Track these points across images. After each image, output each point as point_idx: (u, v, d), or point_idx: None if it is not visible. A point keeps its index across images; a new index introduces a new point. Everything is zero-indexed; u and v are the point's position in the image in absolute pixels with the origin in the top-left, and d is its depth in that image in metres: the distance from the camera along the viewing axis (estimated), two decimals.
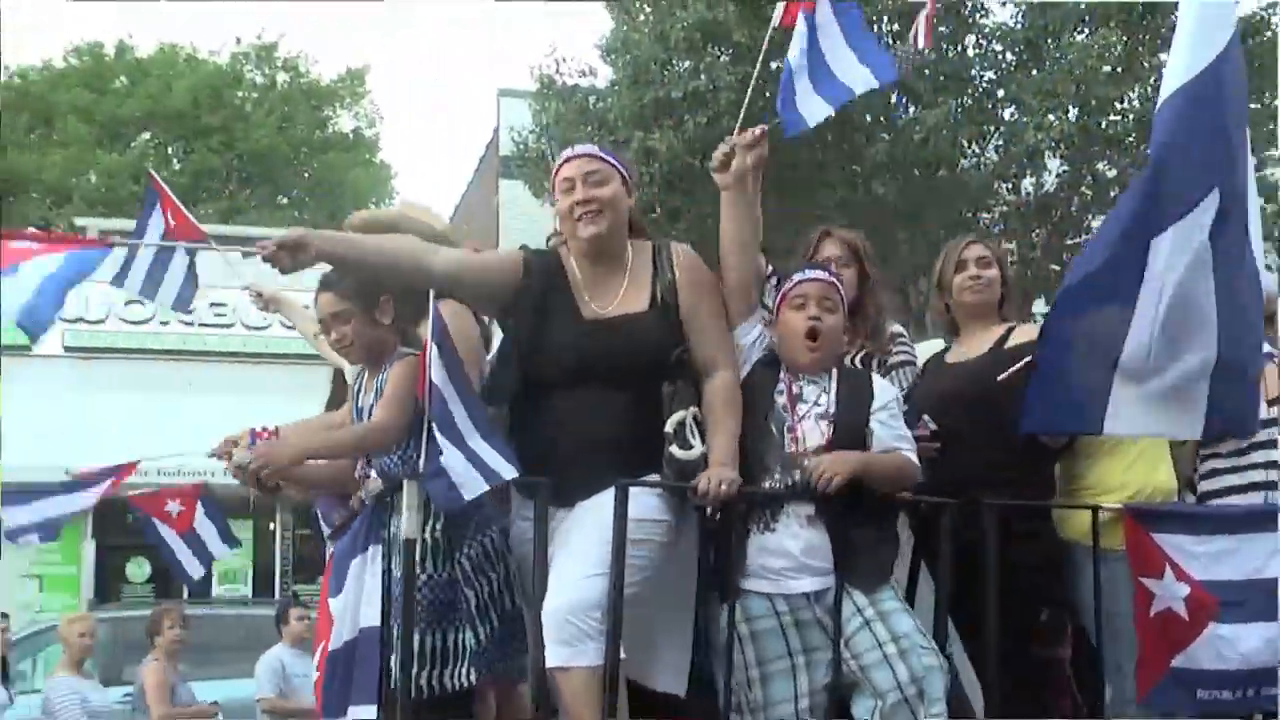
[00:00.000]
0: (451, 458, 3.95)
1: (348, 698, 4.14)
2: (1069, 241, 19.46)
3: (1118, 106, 18.45)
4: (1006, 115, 18.71)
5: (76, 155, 32.48)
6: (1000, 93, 18.67)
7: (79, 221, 24.66)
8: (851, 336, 5.02)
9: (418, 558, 4.12)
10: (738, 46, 17.38)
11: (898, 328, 5.36)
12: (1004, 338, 5.05)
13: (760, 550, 4.32)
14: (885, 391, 4.61)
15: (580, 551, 4.14)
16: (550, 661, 4.03)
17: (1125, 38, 17.60)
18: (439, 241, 4.73)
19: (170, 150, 34.93)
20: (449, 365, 4.02)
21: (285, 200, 35.58)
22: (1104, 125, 18.05)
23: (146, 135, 34.93)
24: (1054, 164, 18.51)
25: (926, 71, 18.22)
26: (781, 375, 4.56)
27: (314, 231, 4.23)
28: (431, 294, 4.14)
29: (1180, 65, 4.60)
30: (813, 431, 4.43)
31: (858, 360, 5.08)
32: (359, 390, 4.54)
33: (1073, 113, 17.80)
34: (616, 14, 18.86)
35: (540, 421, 4.37)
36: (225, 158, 34.11)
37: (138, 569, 19.69)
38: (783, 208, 18.31)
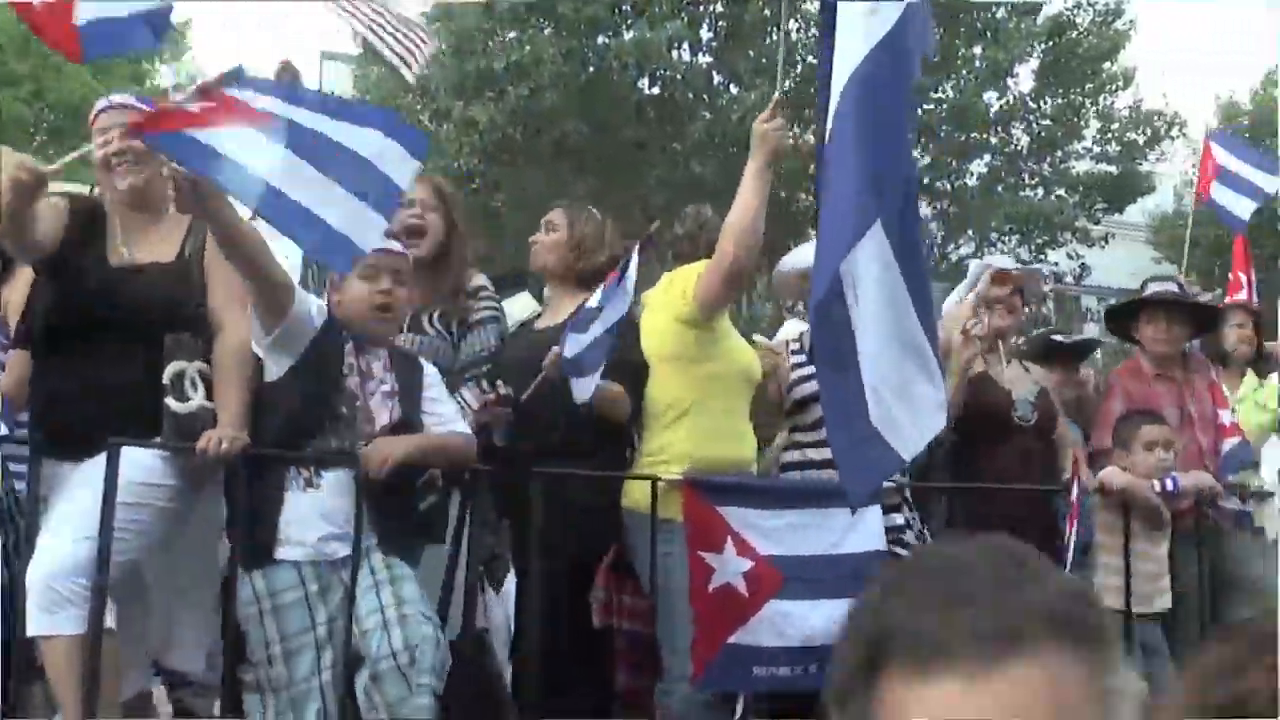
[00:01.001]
0: None
1: None
2: None
3: (933, 96, 18.90)
4: None
5: None
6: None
7: None
8: (429, 292, 4.91)
9: None
10: (562, 19, 17.35)
11: (481, 280, 5.18)
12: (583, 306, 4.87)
13: (295, 518, 4.12)
14: (431, 373, 4.51)
15: (70, 513, 3.90)
16: (31, 629, 3.80)
17: (941, 30, 18.00)
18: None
19: None
20: None
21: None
22: (919, 113, 18.44)
23: None
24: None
25: (750, 52, 18.42)
26: (348, 348, 4.36)
27: None
28: None
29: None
30: (381, 409, 4.32)
31: (434, 320, 4.95)
32: None
33: None
34: None
35: (55, 370, 4.16)
36: (35, 108, 32.90)
37: None
38: (604, 183, 18.42)
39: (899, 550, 5.03)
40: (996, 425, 5.67)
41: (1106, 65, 20.04)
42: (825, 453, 4.91)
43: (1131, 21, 19.79)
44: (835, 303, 3.92)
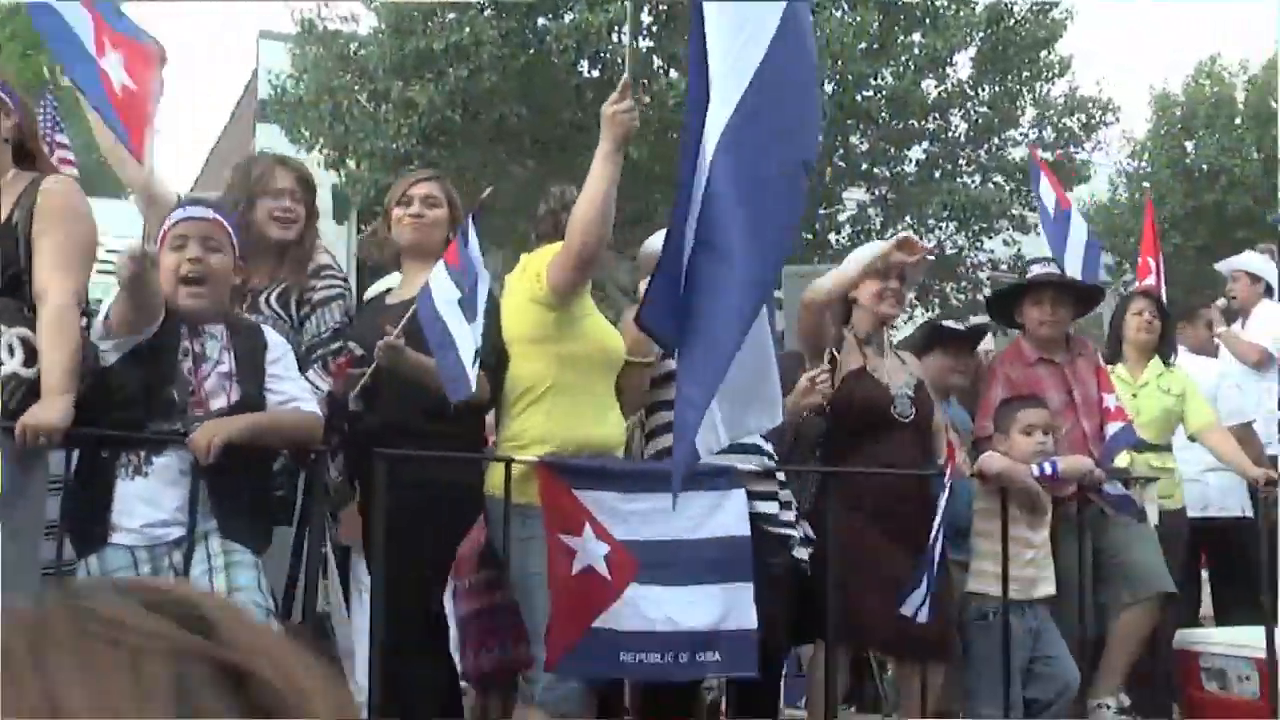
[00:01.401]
0: None
1: None
2: (821, 210, 19.94)
3: (872, 83, 18.97)
4: None
5: None
6: None
7: None
8: (274, 271, 4.89)
9: None
10: (501, 2, 17.29)
11: (326, 259, 5.17)
12: None
13: (124, 505, 4.08)
14: (277, 344, 4.42)
15: None
16: None
17: (881, 17, 18.08)
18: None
19: None
20: None
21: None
22: (858, 100, 18.53)
23: None
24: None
25: (688, 37, 18.38)
26: (182, 328, 4.25)
27: None
28: None
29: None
30: (217, 391, 4.22)
31: (272, 300, 4.91)
32: None
33: (829, 87, 18.23)
34: None
35: None
36: None
37: None
38: (543, 165, 18.37)
39: (775, 531, 5.03)
40: (876, 422, 5.61)
41: (1044, 53, 20.19)
42: None
43: (1069, 10, 19.96)
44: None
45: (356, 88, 18.17)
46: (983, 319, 8.65)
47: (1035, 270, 6.74)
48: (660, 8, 18.25)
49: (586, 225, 4.52)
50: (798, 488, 5.38)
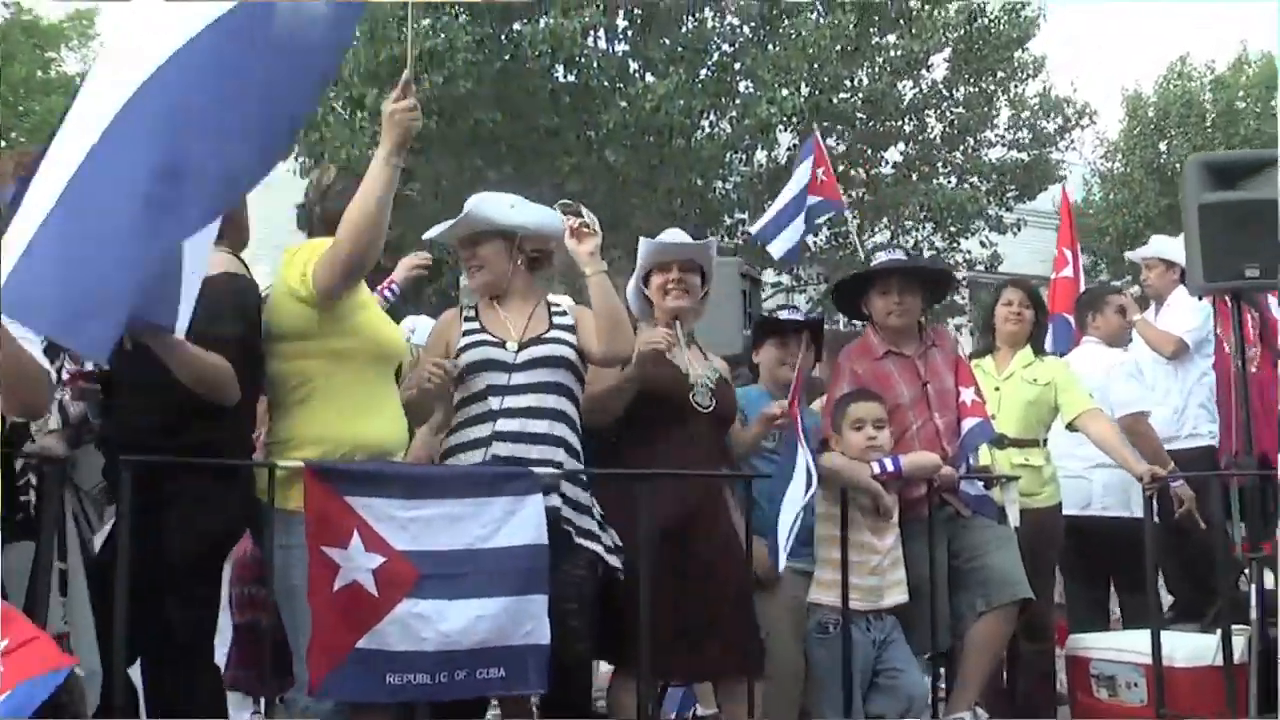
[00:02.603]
0: None
1: None
2: None
3: (847, 85, 19.00)
4: (741, 88, 19.05)
5: None
6: (736, 66, 18.99)
7: None
8: None
9: None
10: (476, 7, 17.23)
11: None
12: None
13: None
14: None
15: None
16: None
17: (856, 19, 18.10)
18: None
19: None
20: None
21: (2, 143, 33.95)
22: (834, 102, 18.53)
23: None
24: (785, 137, 18.93)
25: (665, 40, 18.41)
26: None
27: None
28: None
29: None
30: None
31: None
32: None
33: (804, 89, 18.25)
34: None
35: None
36: None
37: None
38: (520, 173, 18.34)
39: (580, 542, 4.74)
40: (672, 408, 5.25)
41: (1018, 53, 20.26)
42: (491, 427, 4.72)
43: (1040, 9, 20.04)
44: None
45: (331, 95, 18.10)
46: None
47: (880, 258, 6.16)
48: (635, 11, 18.25)
49: (358, 232, 4.22)
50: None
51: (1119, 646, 6.39)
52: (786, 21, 18.45)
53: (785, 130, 18.62)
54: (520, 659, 4.30)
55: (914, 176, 20.50)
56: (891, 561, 5.48)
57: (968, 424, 5.84)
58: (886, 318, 5.95)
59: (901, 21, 18.92)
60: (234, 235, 4.49)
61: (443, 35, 16.89)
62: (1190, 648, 6.11)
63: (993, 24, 19.58)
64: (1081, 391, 6.83)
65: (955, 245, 20.75)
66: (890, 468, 5.48)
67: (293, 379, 4.44)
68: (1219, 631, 6.00)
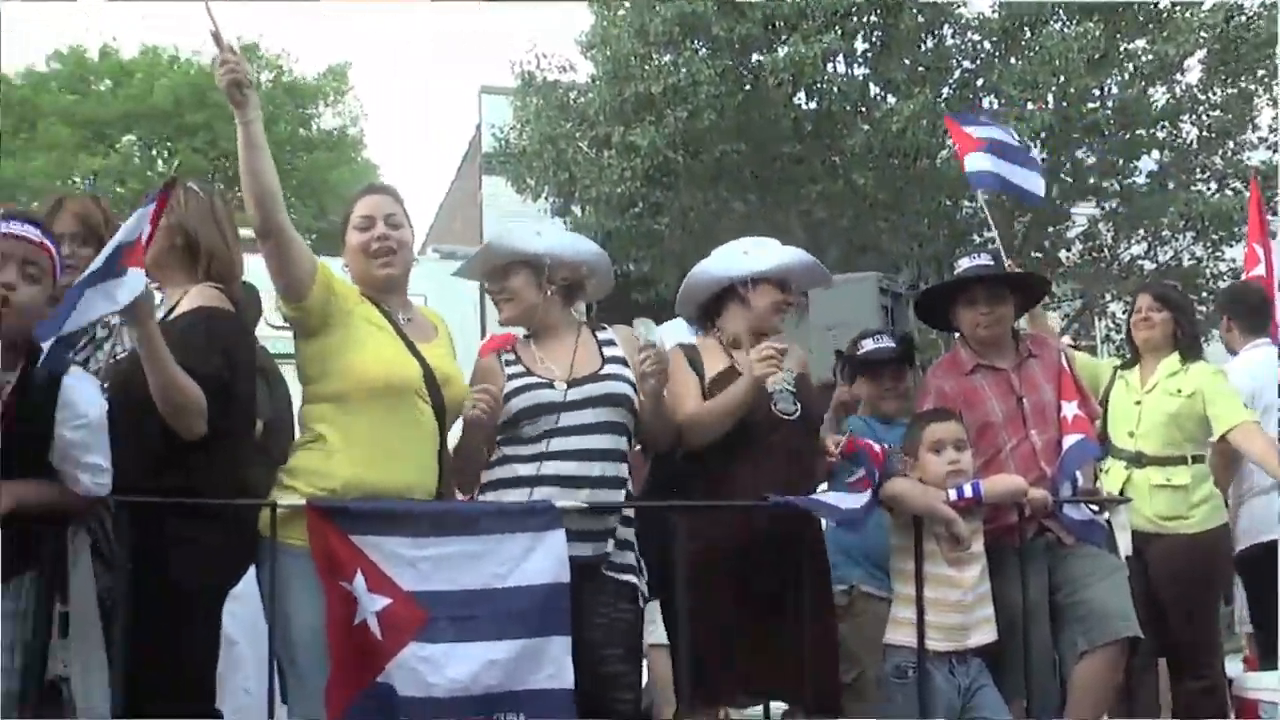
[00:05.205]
0: None
1: None
2: (1050, 229, 19.57)
3: (1096, 95, 18.55)
4: (986, 104, 18.79)
5: (60, 158, 32.35)
6: (979, 82, 18.74)
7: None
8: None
9: None
10: (716, 40, 17.43)
11: None
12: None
13: None
14: (76, 405, 3.81)
15: None
16: None
17: (1103, 27, 17.67)
18: None
19: (154, 151, 34.82)
20: None
21: None
22: (1083, 113, 18.13)
23: (131, 136, 34.82)
24: (1034, 153, 18.61)
25: (906, 61, 18.29)
26: None
27: None
28: None
29: None
30: None
31: None
32: None
33: (1052, 102, 17.89)
34: (596, 9, 18.89)
35: None
36: (209, 157, 33.99)
37: None
38: (765, 200, 18.45)
39: (615, 576, 4.49)
40: (751, 421, 4.77)
41: (1277, 48, 19.48)
42: (538, 468, 4.43)
43: None
44: None
45: (578, 135, 18.51)
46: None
47: (964, 265, 5.65)
48: (874, 34, 18.18)
49: (245, 184, 4.09)
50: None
51: None
52: (1029, 34, 18.14)
53: (1033, 145, 18.30)
54: (542, 704, 4.08)
55: (1170, 185, 19.85)
56: (977, 597, 4.91)
57: (1069, 441, 5.26)
58: (975, 330, 5.48)
59: (1151, 25, 18.37)
60: (219, 268, 4.34)
61: (684, 70, 17.13)
62: None
63: (1251, 21, 18.85)
64: (1233, 402, 6.18)
65: (1219, 254, 19.99)
66: (969, 493, 4.90)
67: (307, 420, 4.34)
68: None
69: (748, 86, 17.72)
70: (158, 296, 4.28)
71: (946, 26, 18.77)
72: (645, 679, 4.95)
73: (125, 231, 3.79)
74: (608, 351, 4.73)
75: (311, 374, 4.35)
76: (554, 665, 4.09)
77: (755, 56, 17.74)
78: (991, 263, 5.72)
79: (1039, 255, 18.84)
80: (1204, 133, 19.81)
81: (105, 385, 4.15)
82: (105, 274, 3.68)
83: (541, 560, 4.15)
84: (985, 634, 4.90)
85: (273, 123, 35.02)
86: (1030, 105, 17.63)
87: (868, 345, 5.90)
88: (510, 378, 4.61)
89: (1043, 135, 17.72)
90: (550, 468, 4.43)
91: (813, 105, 18.21)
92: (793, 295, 5.19)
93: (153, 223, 3.83)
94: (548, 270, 4.74)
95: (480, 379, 4.62)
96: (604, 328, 4.87)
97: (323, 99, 37.64)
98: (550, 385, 4.56)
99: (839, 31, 17.26)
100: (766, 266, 5.00)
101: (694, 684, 4.52)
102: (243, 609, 4.35)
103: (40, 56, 38.68)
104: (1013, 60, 18.30)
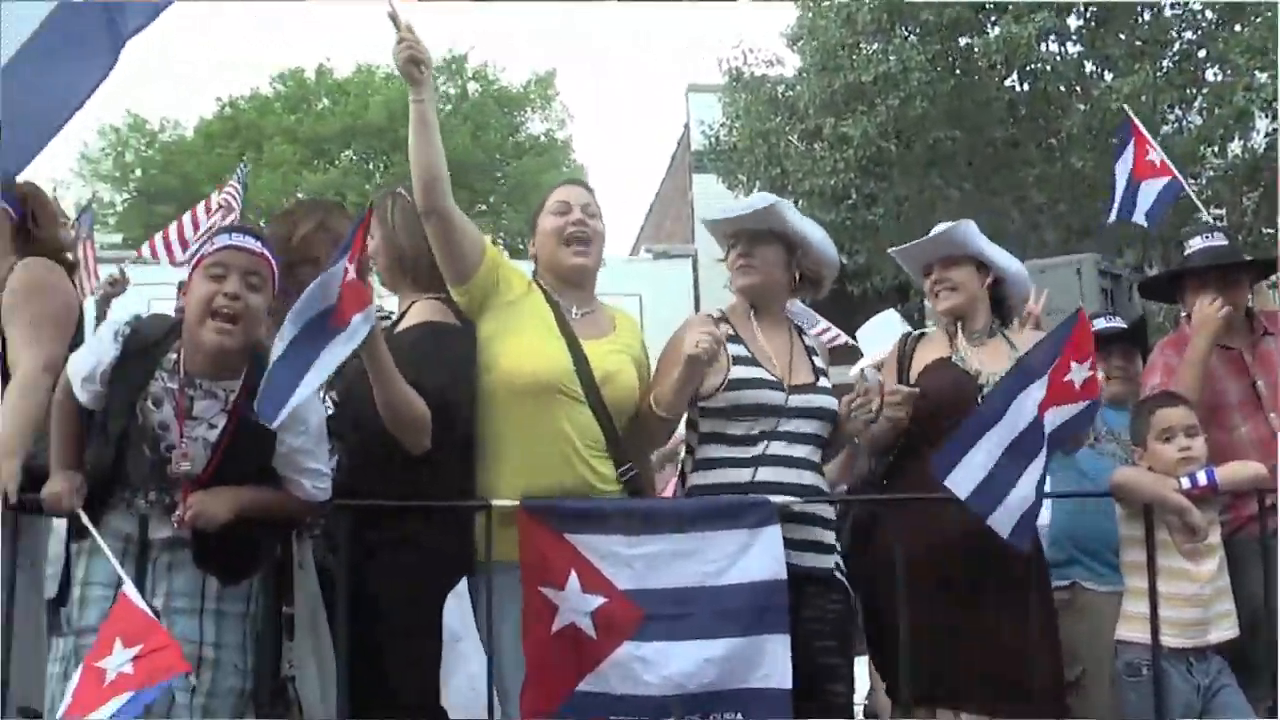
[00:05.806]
0: None
1: None
2: None
3: None
4: (1210, 76, 18.14)
5: (284, 176, 33.51)
6: (1202, 53, 18.10)
7: None
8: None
9: None
10: (925, 25, 17.19)
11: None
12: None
13: (77, 575, 3.83)
14: (297, 413, 3.78)
15: None
16: None
17: None
18: None
19: (370, 165, 35.83)
20: None
21: (484, 207, 36.23)
22: None
23: (348, 151, 35.91)
24: (1263, 124, 17.87)
25: (1122, 35, 17.78)
26: (164, 374, 3.86)
27: None
28: None
29: None
30: (201, 457, 3.83)
31: None
32: None
33: None
34: (801, 1, 18.79)
35: None
36: None
37: None
38: (980, 187, 18.11)
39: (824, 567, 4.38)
40: (961, 413, 4.35)
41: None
42: (754, 473, 4.32)
43: None
44: None
45: (788, 129, 18.43)
46: None
47: (1194, 245, 5.33)
48: (1088, 10, 17.71)
49: (414, 166, 4.13)
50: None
51: None
52: None
53: (1263, 116, 17.59)
54: (761, 704, 4.00)
55: None
56: (1215, 591, 4.60)
57: None
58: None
59: None
60: (428, 273, 4.37)
61: (894, 57, 16.93)
62: None
63: None
64: None
65: None
66: (1203, 481, 4.58)
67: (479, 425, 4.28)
68: None
69: (958, 71, 17.43)
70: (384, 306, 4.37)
71: None
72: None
73: (322, 291, 3.74)
74: (815, 361, 4.64)
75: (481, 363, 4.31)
76: (772, 664, 4.02)
77: (965, 39, 17.44)
78: (1225, 243, 5.41)
79: (1270, 231, 18.09)
80: None
81: (327, 395, 4.28)
82: (318, 334, 3.70)
83: (759, 557, 4.07)
84: (1226, 630, 4.63)
85: (482, 131, 35.81)
86: (1260, 74, 16.93)
87: (1099, 324, 5.58)
88: (736, 361, 4.43)
89: (1275, 105, 17.02)
90: (765, 473, 4.34)
91: (1026, 87, 17.84)
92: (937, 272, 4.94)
93: (352, 260, 3.76)
94: (798, 254, 4.65)
95: (699, 325, 4.36)
96: (802, 330, 4.77)
97: (530, 106, 38.28)
98: (780, 387, 4.44)
99: (1052, 9, 16.86)
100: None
101: (910, 685, 4.37)
102: (466, 606, 4.33)
103: (264, 80, 40.18)
104: (1238, 27, 17.61)
